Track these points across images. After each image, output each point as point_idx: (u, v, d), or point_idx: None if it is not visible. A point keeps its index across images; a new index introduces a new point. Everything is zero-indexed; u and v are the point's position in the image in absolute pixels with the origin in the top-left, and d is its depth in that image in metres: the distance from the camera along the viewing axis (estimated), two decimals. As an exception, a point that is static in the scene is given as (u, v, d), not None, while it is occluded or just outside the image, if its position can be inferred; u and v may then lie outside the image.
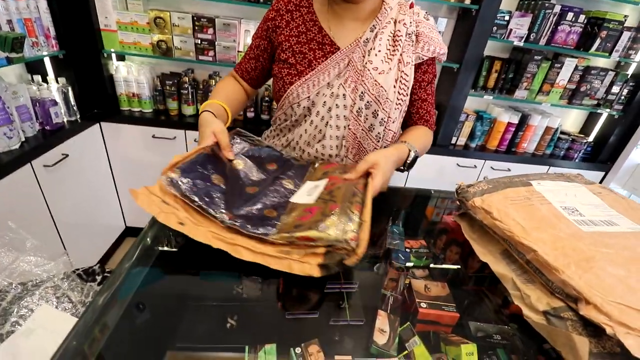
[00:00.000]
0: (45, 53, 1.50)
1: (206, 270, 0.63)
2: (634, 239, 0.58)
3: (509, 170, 2.08)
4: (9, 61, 1.27)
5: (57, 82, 1.60)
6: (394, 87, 0.77)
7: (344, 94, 0.78)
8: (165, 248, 0.66)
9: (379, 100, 0.77)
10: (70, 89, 1.60)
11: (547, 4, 1.70)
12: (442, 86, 1.99)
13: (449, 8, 1.84)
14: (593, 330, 0.46)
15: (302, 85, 0.79)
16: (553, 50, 1.88)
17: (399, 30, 0.76)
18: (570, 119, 2.32)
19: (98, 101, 1.76)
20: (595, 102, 2.04)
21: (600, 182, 2.24)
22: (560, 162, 2.13)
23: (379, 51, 0.76)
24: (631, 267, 0.52)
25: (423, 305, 0.58)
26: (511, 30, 1.74)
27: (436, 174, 2.04)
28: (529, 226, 0.59)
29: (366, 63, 0.76)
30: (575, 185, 0.74)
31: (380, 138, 0.82)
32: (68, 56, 1.62)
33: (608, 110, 2.06)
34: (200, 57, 1.74)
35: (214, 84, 1.81)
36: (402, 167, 0.79)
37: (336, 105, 0.79)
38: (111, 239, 2.03)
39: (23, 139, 1.40)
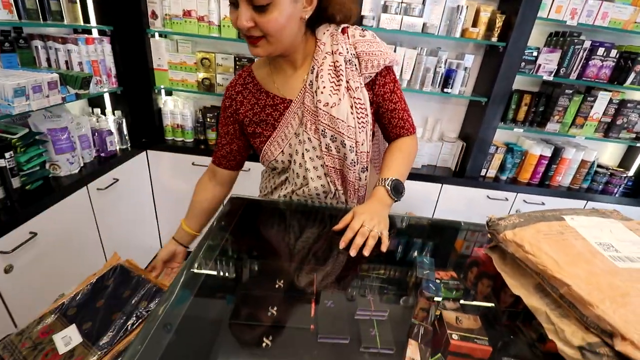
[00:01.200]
0: (106, 90, 1.70)
1: (244, 291, 0.68)
2: None
3: (543, 203, 2.02)
4: (77, 97, 1.46)
5: (113, 114, 1.79)
6: (351, 113, 0.80)
7: (308, 138, 0.82)
8: (209, 271, 0.71)
9: (340, 132, 0.80)
10: (124, 120, 1.79)
11: (576, 40, 1.72)
12: (470, 119, 2.02)
13: (475, 46, 1.91)
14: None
15: (272, 144, 0.86)
16: (585, 84, 1.87)
17: (337, 61, 0.78)
18: (608, 153, 2.24)
19: (146, 131, 1.94)
20: (634, 135, 1.98)
21: (646, 218, 2.11)
22: (598, 197, 2.04)
23: (324, 87, 0.78)
24: None
25: (455, 336, 0.58)
26: (540, 65, 1.76)
27: (466, 205, 2.02)
28: (563, 260, 0.59)
29: (317, 102, 0.79)
30: (610, 221, 0.73)
31: (355, 163, 0.85)
32: (124, 92, 1.82)
33: (648, 143, 1.98)
34: (239, 92, 1.88)
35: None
36: (394, 199, 0.81)
37: (306, 149, 0.83)
38: (147, 259, 2.14)
39: (82, 164, 1.56)
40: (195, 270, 0.70)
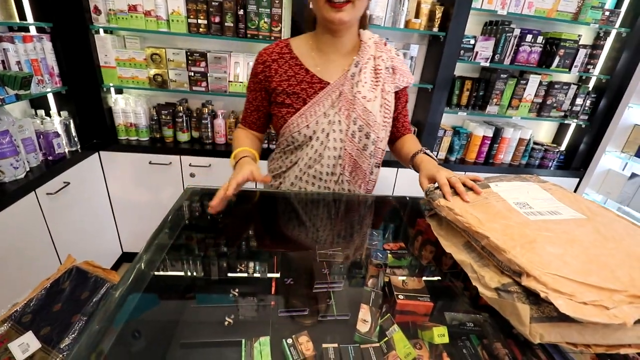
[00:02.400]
0: (49, 89, 1.61)
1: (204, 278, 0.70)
2: (574, 224, 0.68)
3: (489, 180, 2.20)
4: (17, 98, 1.38)
5: (59, 115, 1.71)
6: (380, 111, 0.91)
7: (339, 120, 0.90)
8: (160, 272, 0.71)
9: (369, 123, 0.90)
10: (71, 121, 1.71)
11: (507, 28, 1.88)
12: (420, 105, 2.14)
13: (419, 35, 2.03)
14: (535, 299, 0.55)
15: (300, 117, 0.91)
16: (517, 68, 2.06)
17: (379, 65, 0.91)
18: (543, 131, 2.48)
19: (97, 132, 1.87)
20: (562, 113, 2.21)
21: (576, 188, 2.37)
22: (536, 171, 2.26)
23: (365, 82, 0.90)
24: (567, 246, 0.61)
25: (400, 297, 0.66)
26: (477, 52, 1.91)
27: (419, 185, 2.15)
28: (484, 219, 0.69)
29: (355, 93, 0.89)
30: (529, 184, 0.84)
31: (372, 155, 0.96)
32: (70, 91, 1.73)
33: (575, 120, 2.22)
34: (194, 88, 1.87)
35: (206, 111, 1.93)
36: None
37: (333, 130, 0.91)
38: (109, 263, 2.08)
39: (28, 169, 1.48)
40: (149, 264, 0.70)
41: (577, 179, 2.34)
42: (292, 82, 0.92)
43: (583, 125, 2.24)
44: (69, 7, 1.61)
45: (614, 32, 2.06)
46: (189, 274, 0.75)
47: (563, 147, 2.40)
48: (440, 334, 0.61)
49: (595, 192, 2.34)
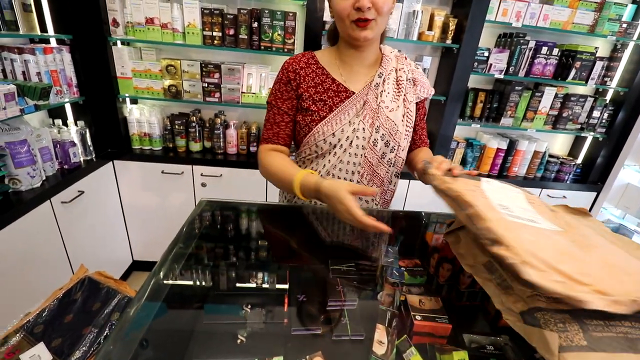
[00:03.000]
0: (67, 100, 1.65)
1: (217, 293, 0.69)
2: (550, 232, 0.65)
3: (503, 193, 2.15)
4: (37, 108, 1.41)
5: (76, 125, 1.74)
6: (402, 121, 0.94)
7: (363, 128, 0.92)
8: (176, 282, 0.71)
9: (391, 132, 0.93)
10: (87, 130, 1.74)
11: (522, 41, 1.86)
12: (432, 117, 2.13)
13: (432, 47, 2.02)
14: (563, 326, 0.52)
15: (327, 124, 0.93)
16: (532, 80, 2.03)
17: (400, 77, 0.95)
18: (558, 143, 2.43)
19: (112, 141, 1.90)
20: (579, 126, 2.16)
21: (593, 202, 2.30)
22: (552, 184, 2.21)
23: (388, 93, 0.93)
24: (540, 237, 0.61)
25: (418, 317, 0.63)
26: (491, 64, 1.89)
27: (432, 198, 2.12)
28: (471, 198, 0.68)
29: (379, 103, 0.92)
30: (517, 193, 0.81)
31: (392, 164, 0.97)
32: (87, 101, 1.77)
33: (592, 133, 2.17)
34: (207, 99, 1.89)
35: (219, 122, 1.95)
36: None
37: (356, 137, 0.93)
38: (119, 272, 2.09)
39: (44, 178, 1.51)
40: (163, 278, 0.69)
41: (595, 193, 2.28)
42: (319, 89, 0.94)
43: (600, 138, 2.19)
44: (88, 20, 1.66)
45: (631, 44, 2.02)
46: (202, 286, 0.75)
47: (579, 160, 2.34)
48: (460, 359, 0.59)
49: (613, 206, 2.27)
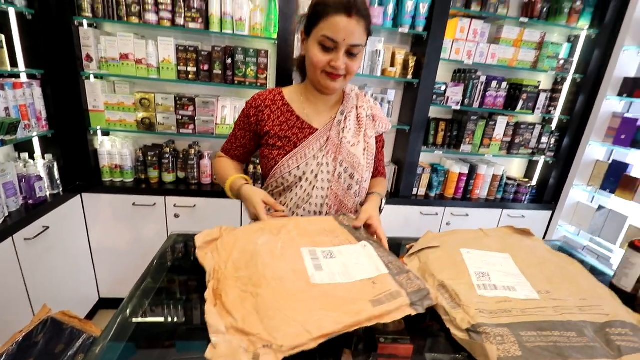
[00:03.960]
0: (35, 134, 1.63)
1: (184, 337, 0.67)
2: (523, 304, 0.71)
3: (467, 215, 2.29)
4: (3, 143, 1.39)
5: (43, 158, 1.71)
6: (363, 154, 1.01)
7: (327, 162, 0.99)
8: (142, 319, 0.68)
9: (354, 166, 1.00)
10: (55, 163, 1.71)
11: (474, 76, 2.07)
12: (399, 145, 2.26)
13: (395, 82, 2.19)
14: (501, 339, 0.59)
15: (291, 158, 0.99)
16: (486, 111, 2.23)
17: (361, 114, 1.02)
18: (515, 167, 2.63)
19: (81, 174, 1.87)
20: (530, 151, 2.37)
21: (549, 221, 2.48)
22: (511, 205, 2.37)
23: (350, 129, 1.00)
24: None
25: (381, 340, 0.68)
26: (448, 97, 2.07)
27: (403, 222, 2.21)
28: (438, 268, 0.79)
29: (342, 138, 0.99)
30: (504, 256, 0.88)
31: (357, 194, 1.04)
32: (56, 134, 1.75)
33: (542, 157, 2.38)
34: (181, 130, 1.92)
35: (193, 152, 1.98)
36: (380, 209, 1.04)
37: (321, 171, 0.99)
38: (85, 311, 1.98)
39: (7, 214, 1.45)
40: (131, 316, 0.68)
41: (550, 212, 2.46)
42: (284, 127, 1.00)
43: (550, 162, 2.40)
44: (61, 55, 1.68)
45: (569, 78, 2.28)
46: (173, 322, 0.72)
47: (534, 182, 2.54)
48: (422, 375, 0.63)
49: (568, 223, 2.45)
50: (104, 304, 2.10)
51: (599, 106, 2.18)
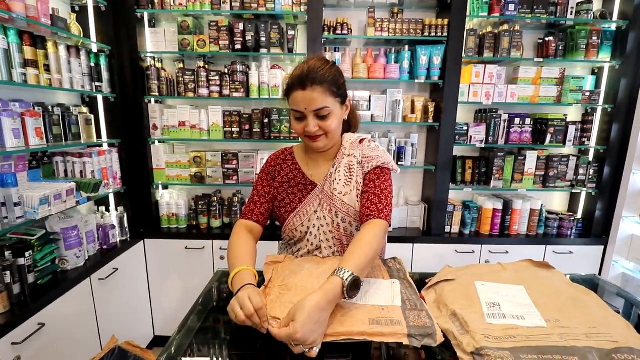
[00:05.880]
0: (112, 190, 1.98)
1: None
2: (522, 329, 0.75)
3: (507, 252, 2.22)
4: (89, 199, 1.72)
5: (116, 210, 2.05)
6: (357, 201, 1.04)
7: (324, 216, 1.05)
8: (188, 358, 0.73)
9: (349, 214, 1.04)
10: (125, 214, 2.03)
11: (495, 115, 2.15)
12: (427, 184, 2.34)
13: (418, 127, 2.34)
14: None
15: (295, 217, 1.08)
16: (513, 147, 2.26)
17: (351, 162, 1.05)
18: (556, 200, 2.54)
19: (144, 222, 2.18)
20: (569, 183, 2.30)
21: (603, 255, 2.31)
22: (556, 240, 2.26)
23: (340, 180, 1.04)
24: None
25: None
26: (471, 136, 2.16)
27: (438, 260, 2.21)
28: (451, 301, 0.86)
29: (333, 190, 1.04)
30: (518, 288, 0.91)
31: None
32: (127, 190, 2.10)
33: (584, 189, 2.29)
34: (227, 181, 2.20)
35: (236, 200, 2.22)
36: (345, 297, 0.76)
37: (321, 225, 1.06)
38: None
39: (87, 257, 1.75)
40: (175, 354, 0.72)
41: (602, 247, 2.30)
42: (292, 183, 1.10)
43: (593, 193, 2.30)
44: (133, 127, 2.08)
45: (600, 109, 2.26)
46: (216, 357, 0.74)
47: (579, 215, 2.42)
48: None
49: (624, 258, 2.26)
50: (158, 341, 2.29)
51: (637, 132, 2.12)
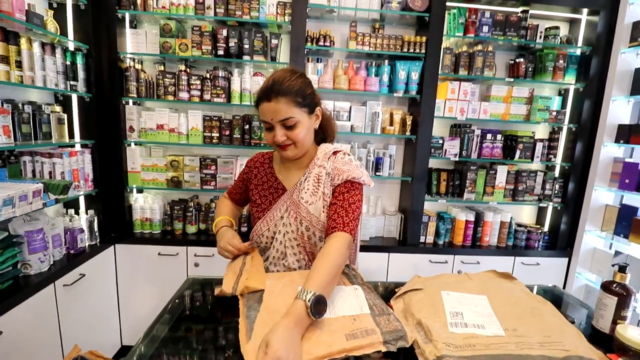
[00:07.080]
0: (82, 192, 1.91)
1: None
2: (486, 340, 0.78)
3: (479, 262, 2.30)
4: (56, 201, 1.66)
5: (86, 213, 1.97)
6: (323, 212, 1.05)
7: (290, 223, 1.07)
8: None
9: (313, 224, 1.05)
10: (96, 218, 1.96)
11: (468, 130, 2.24)
12: (403, 195, 2.40)
13: (396, 138, 2.40)
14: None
15: (262, 222, 1.11)
16: (485, 161, 2.36)
17: (320, 173, 1.06)
18: (525, 213, 2.66)
19: (116, 226, 2.11)
20: (536, 197, 2.42)
21: (567, 267, 2.42)
22: (524, 252, 2.36)
23: (308, 189, 1.06)
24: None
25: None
26: (446, 150, 2.24)
27: (413, 270, 2.25)
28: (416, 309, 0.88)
29: (300, 198, 1.06)
30: (481, 297, 0.95)
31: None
32: (99, 192, 2.04)
33: (550, 203, 2.42)
34: (204, 187, 2.17)
35: (214, 206, 2.19)
36: (312, 318, 0.76)
37: (286, 232, 1.08)
38: (107, 355, 2.07)
39: (52, 262, 1.67)
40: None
41: (567, 259, 2.41)
42: (265, 186, 1.15)
43: (558, 207, 2.42)
44: (108, 128, 2.03)
45: (565, 128, 2.40)
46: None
47: (546, 228, 2.54)
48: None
49: (587, 270, 2.38)
50: (126, 351, 2.19)
51: (598, 152, 2.26)
